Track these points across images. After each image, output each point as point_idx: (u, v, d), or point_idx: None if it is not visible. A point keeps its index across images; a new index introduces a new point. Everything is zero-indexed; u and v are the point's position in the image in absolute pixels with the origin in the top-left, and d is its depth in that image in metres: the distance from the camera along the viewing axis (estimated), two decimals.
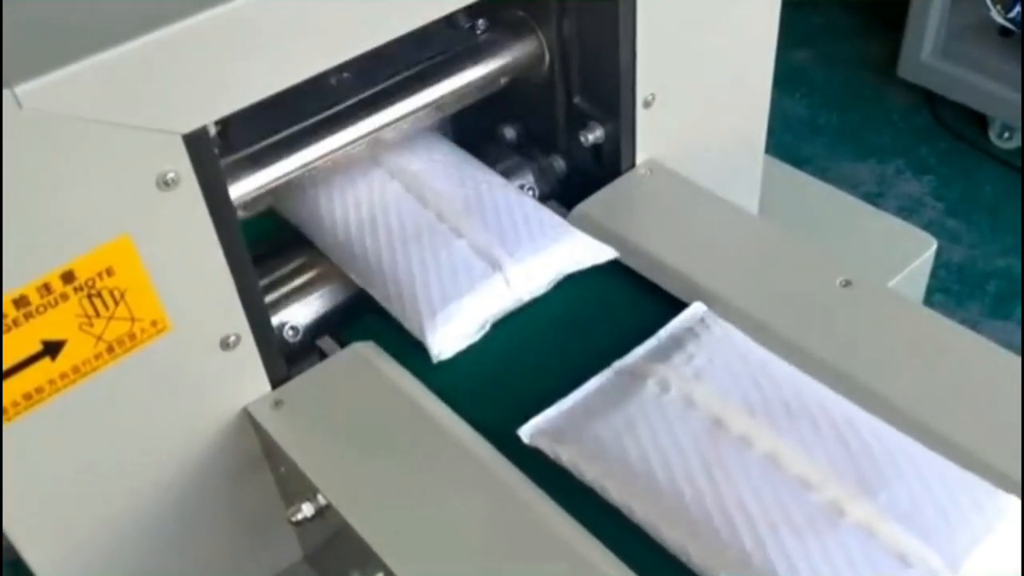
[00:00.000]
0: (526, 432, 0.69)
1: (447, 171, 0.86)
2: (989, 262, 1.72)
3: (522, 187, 0.91)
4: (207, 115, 0.61)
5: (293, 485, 0.72)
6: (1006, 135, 1.88)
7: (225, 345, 0.70)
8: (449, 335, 0.74)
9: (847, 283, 0.76)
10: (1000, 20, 1.78)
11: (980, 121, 1.91)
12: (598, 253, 0.80)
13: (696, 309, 0.75)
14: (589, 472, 0.65)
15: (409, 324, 0.75)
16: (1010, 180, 1.85)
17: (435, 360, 0.74)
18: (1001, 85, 1.79)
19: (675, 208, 0.86)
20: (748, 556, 0.57)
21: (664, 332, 0.74)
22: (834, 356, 0.70)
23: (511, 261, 0.77)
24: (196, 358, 0.69)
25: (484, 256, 0.78)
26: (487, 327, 0.76)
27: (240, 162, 0.74)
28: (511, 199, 0.83)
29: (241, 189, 0.73)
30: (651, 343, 0.73)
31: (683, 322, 0.74)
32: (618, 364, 0.72)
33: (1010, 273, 1.69)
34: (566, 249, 0.79)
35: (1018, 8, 1.75)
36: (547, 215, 0.82)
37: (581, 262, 0.79)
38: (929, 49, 1.87)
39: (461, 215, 0.81)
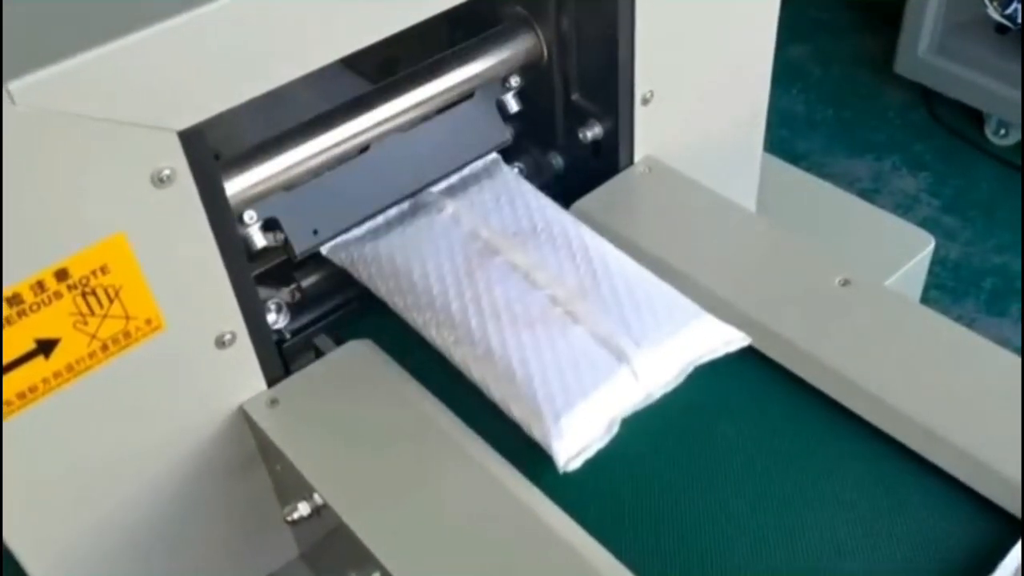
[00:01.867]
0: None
1: (553, 240, 0.77)
2: (985, 259, 1.72)
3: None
4: (203, 112, 0.60)
5: (289, 484, 0.71)
6: (1002, 132, 1.88)
7: (220, 343, 0.69)
8: (576, 441, 0.64)
9: (846, 282, 0.75)
10: (997, 17, 1.78)
11: (976, 118, 1.91)
12: (732, 339, 0.70)
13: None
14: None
15: (528, 425, 0.66)
16: (1006, 177, 1.86)
17: (561, 471, 0.63)
18: (998, 82, 1.79)
19: (674, 205, 0.86)
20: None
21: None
22: (833, 357, 0.70)
23: (638, 351, 0.68)
24: (191, 356, 0.68)
25: (607, 345, 0.69)
26: (615, 429, 0.66)
27: (236, 159, 0.73)
28: (629, 274, 0.74)
29: (237, 186, 0.72)
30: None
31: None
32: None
33: (1006, 270, 1.69)
34: (698, 335, 0.70)
35: (1015, 5, 1.75)
36: (673, 295, 0.73)
37: (714, 350, 0.70)
38: (926, 45, 1.87)
39: (576, 297, 0.72)
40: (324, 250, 0.80)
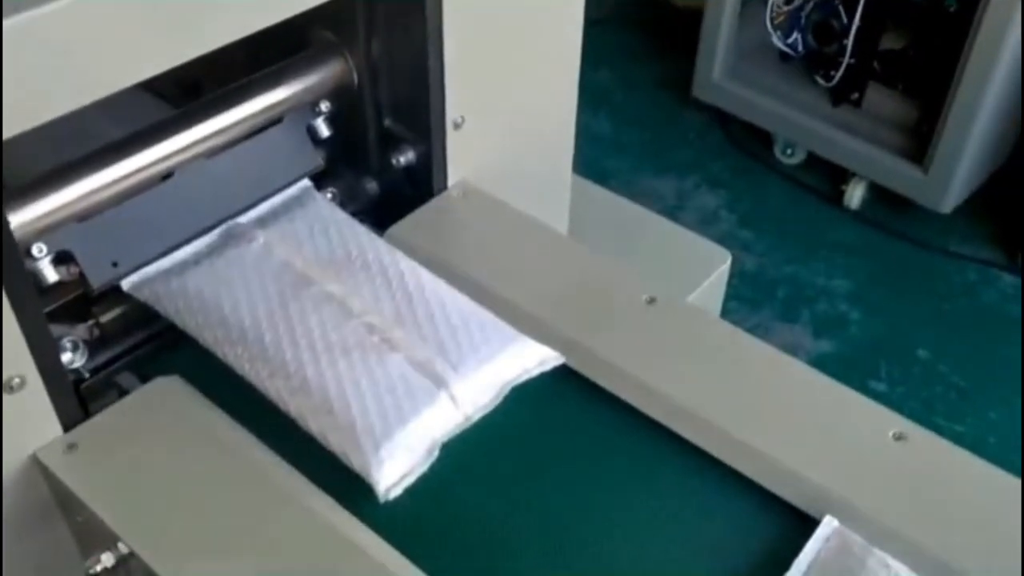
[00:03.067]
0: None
1: (368, 267, 0.76)
2: (778, 269, 1.85)
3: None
4: None
5: (91, 534, 0.67)
6: (789, 151, 2.04)
7: (8, 388, 0.64)
8: (396, 468, 0.64)
9: (652, 300, 0.79)
10: (780, 45, 1.93)
11: (766, 138, 2.06)
12: (547, 359, 0.72)
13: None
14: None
15: (346, 455, 0.65)
16: (793, 193, 2.01)
17: (382, 499, 0.63)
18: (783, 105, 1.94)
19: (487, 229, 0.87)
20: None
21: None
22: (640, 370, 0.73)
23: (455, 376, 0.68)
24: None
25: (424, 371, 0.69)
26: (435, 454, 0.65)
27: (21, 188, 0.68)
28: (445, 299, 0.74)
29: (22, 217, 0.67)
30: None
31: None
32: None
33: (796, 279, 1.83)
34: (514, 357, 0.71)
35: (795, 34, 1.91)
36: (489, 319, 0.73)
37: (529, 370, 0.71)
38: (719, 71, 2.00)
39: (393, 324, 0.72)
40: (126, 285, 0.76)
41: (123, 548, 0.63)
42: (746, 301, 1.78)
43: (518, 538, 0.66)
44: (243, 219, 0.82)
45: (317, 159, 0.86)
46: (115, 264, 0.75)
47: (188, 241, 0.79)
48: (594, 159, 2.02)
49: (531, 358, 0.72)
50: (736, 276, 1.79)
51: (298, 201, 0.84)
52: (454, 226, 0.88)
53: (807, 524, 0.65)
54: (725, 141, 2.12)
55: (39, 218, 0.69)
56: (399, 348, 0.70)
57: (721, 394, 0.72)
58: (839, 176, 1.96)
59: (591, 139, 2.06)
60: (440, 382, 0.68)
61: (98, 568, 0.64)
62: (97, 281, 0.74)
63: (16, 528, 0.70)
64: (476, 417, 0.68)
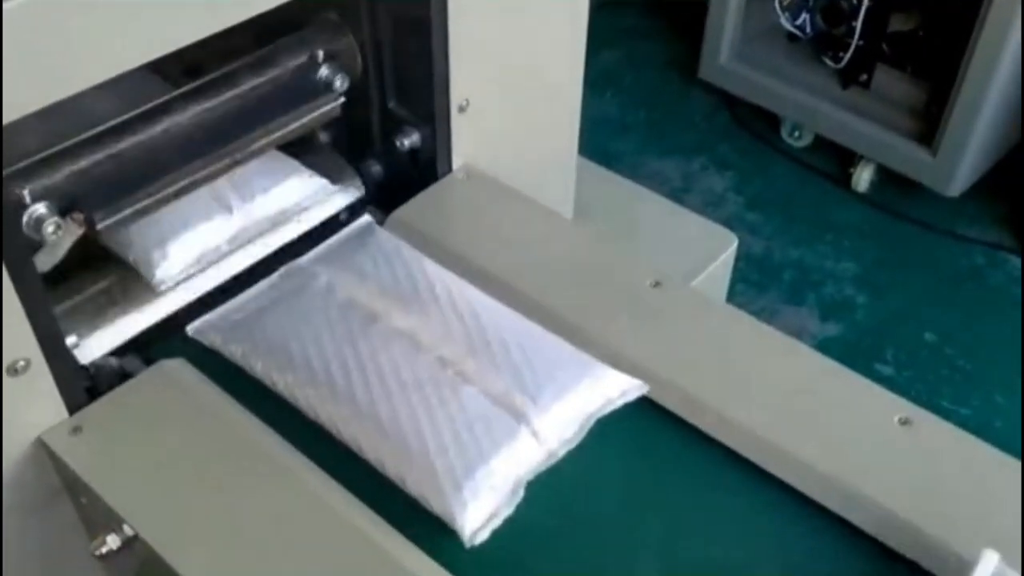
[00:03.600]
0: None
1: (436, 299, 0.73)
2: (784, 252, 1.84)
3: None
4: None
5: (96, 516, 0.67)
6: (796, 134, 2.02)
7: (12, 371, 0.64)
8: (481, 510, 0.60)
9: (657, 283, 0.79)
10: (788, 27, 1.91)
11: (773, 120, 2.05)
12: (629, 389, 0.69)
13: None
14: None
15: (426, 499, 0.62)
16: (800, 175, 2.00)
17: (468, 545, 0.60)
18: (791, 87, 1.93)
19: (491, 213, 0.87)
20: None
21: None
22: (645, 356, 0.73)
23: (536, 409, 0.65)
24: None
25: (502, 405, 0.66)
26: (521, 493, 0.62)
27: (25, 171, 0.68)
28: (517, 329, 0.71)
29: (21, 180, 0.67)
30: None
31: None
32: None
33: (802, 263, 1.82)
34: (594, 387, 0.68)
35: (804, 15, 1.89)
36: (565, 348, 0.70)
37: (613, 400, 0.68)
38: (726, 53, 1.98)
39: (466, 356, 0.69)
40: (191, 331, 0.76)
41: (128, 530, 0.63)
42: (752, 284, 1.78)
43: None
44: (303, 259, 0.82)
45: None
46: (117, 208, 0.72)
47: (250, 285, 0.80)
48: (599, 141, 2.01)
49: (613, 388, 0.68)
50: (742, 259, 1.79)
51: (359, 236, 0.83)
52: (458, 209, 0.88)
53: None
54: (732, 123, 2.11)
55: (40, 177, 0.68)
56: (473, 381, 0.67)
57: (725, 379, 0.72)
58: (847, 159, 1.95)
59: (597, 121, 2.05)
60: (520, 416, 0.65)
61: (103, 550, 0.64)
62: (103, 221, 0.71)
63: (23, 510, 0.70)
64: (561, 452, 0.65)
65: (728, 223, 1.16)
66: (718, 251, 1.09)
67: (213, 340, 0.75)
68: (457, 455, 0.62)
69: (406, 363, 0.69)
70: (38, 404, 0.67)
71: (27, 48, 0.56)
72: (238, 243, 0.80)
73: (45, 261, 0.73)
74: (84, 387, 0.71)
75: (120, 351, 0.76)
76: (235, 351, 0.73)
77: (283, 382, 0.70)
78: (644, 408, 0.71)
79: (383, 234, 0.83)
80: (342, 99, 0.82)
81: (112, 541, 0.64)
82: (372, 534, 0.62)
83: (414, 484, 0.63)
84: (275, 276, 0.81)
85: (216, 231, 0.79)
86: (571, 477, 0.65)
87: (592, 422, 0.66)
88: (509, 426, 0.64)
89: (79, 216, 0.70)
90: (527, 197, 0.88)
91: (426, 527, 0.62)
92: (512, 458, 0.63)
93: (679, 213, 1.16)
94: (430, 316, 0.72)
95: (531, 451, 0.64)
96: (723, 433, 0.70)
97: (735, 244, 1.10)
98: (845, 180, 1.95)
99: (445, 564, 0.60)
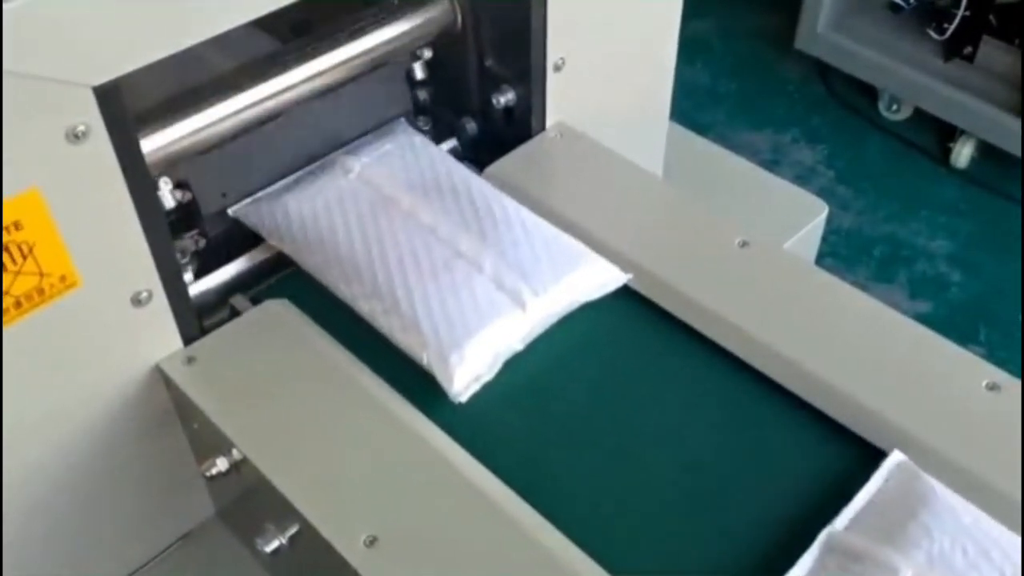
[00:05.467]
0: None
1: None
2: (876, 228, 1.81)
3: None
4: (118, 68, 0.60)
5: (206, 440, 0.72)
6: (894, 107, 1.98)
7: (136, 302, 0.69)
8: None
9: (745, 244, 0.80)
10: None
11: (870, 93, 2.00)
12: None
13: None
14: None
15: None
16: (896, 150, 1.95)
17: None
18: (891, 59, 1.88)
19: (584, 170, 0.89)
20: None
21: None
22: (732, 313, 0.74)
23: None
24: (107, 314, 0.68)
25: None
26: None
27: (153, 115, 0.73)
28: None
29: (154, 143, 0.72)
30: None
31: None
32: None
33: (894, 239, 1.78)
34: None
35: None
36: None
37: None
38: (824, 22, 1.94)
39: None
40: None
41: (236, 454, 0.68)
42: (841, 259, 1.75)
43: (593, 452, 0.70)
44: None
45: (409, 101, 0.90)
46: (224, 195, 0.81)
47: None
48: (689, 111, 1.99)
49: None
50: (832, 233, 1.76)
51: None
52: (551, 166, 0.90)
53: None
54: (826, 95, 2.07)
55: (164, 147, 0.73)
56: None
57: (812, 337, 0.73)
58: (946, 133, 1.90)
59: (687, 90, 2.04)
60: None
61: (213, 471, 0.69)
62: (208, 209, 0.80)
63: (140, 432, 0.76)
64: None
65: (818, 196, 1.15)
66: (808, 218, 1.08)
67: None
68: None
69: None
70: (157, 334, 0.72)
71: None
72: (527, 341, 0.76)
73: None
74: (198, 321, 0.76)
75: (229, 290, 0.81)
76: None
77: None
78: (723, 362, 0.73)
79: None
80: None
81: (221, 464, 0.69)
82: (455, 460, 0.66)
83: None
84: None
85: (510, 331, 0.74)
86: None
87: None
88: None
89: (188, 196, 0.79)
90: (619, 156, 0.89)
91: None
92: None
93: (768, 179, 1.16)
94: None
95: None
96: (800, 385, 0.71)
97: (825, 212, 1.10)
98: (943, 155, 1.90)
99: (441, 421, 0.69)
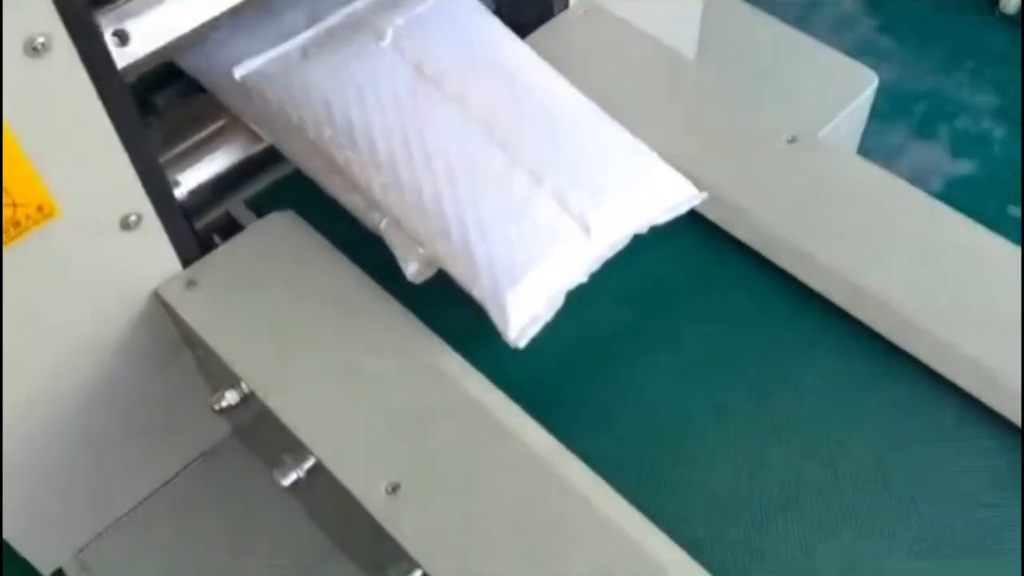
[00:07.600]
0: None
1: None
2: (918, 81, 1.69)
3: None
4: None
5: (213, 370, 0.68)
6: None
7: (126, 225, 0.63)
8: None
9: (793, 139, 0.72)
10: None
11: None
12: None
13: None
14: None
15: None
16: None
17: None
18: None
19: (612, 52, 0.80)
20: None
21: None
22: (780, 221, 0.68)
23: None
24: (95, 241, 0.63)
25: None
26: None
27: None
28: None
29: (126, 56, 0.63)
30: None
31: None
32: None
33: (938, 93, 1.67)
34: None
35: None
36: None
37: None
38: None
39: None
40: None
41: (244, 387, 0.64)
42: (881, 115, 1.64)
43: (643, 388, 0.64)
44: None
45: None
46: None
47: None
48: None
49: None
50: None
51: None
52: (576, 48, 0.81)
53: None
54: None
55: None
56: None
57: (869, 245, 0.66)
58: None
59: None
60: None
61: (223, 404, 0.65)
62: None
63: (148, 360, 0.71)
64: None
65: (858, 47, 1.05)
66: (857, 91, 0.99)
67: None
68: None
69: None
70: (152, 257, 0.67)
71: None
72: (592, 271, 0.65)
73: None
74: (195, 239, 0.70)
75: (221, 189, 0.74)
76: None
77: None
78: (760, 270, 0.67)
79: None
80: None
81: (230, 396, 0.64)
82: (480, 395, 0.61)
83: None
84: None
85: (575, 260, 0.63)
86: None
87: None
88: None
89: None
90: (649, 35, 0.80)
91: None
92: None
93: (815, 49, 1.06)
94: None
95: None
96: (854, 305, 0.65)
97: (875, 84, 1.01)
98: (991, 1, 1.76)
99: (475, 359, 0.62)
